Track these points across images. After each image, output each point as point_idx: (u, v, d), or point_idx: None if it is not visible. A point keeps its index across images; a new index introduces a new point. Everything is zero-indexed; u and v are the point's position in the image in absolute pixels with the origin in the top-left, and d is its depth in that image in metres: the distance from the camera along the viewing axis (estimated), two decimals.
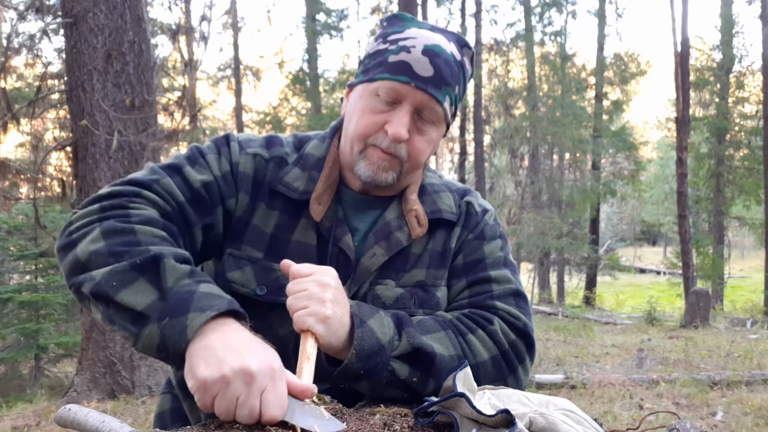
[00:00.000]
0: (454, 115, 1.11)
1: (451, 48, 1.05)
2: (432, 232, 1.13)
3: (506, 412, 0.76)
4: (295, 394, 0.80)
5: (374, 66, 1.04)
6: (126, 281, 0.83)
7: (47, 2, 6.30)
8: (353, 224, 1.11)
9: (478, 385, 0.94)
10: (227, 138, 1.12)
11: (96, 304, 0.86)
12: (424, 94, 1.01)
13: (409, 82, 1.00)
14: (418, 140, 1.04)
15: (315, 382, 0.87)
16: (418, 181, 1.15)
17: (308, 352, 0.87)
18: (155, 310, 0.81)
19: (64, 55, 6.05)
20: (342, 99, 1.15)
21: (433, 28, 1.09)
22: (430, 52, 1.01)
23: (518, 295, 1.10)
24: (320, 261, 1.05)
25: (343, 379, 0.94)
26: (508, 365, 1.03)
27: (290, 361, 1.00)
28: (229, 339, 0.79)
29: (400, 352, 0.95)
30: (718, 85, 18.00)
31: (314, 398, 0.87)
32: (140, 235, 0.90)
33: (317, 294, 0.89)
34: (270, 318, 1.02)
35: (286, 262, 0.94)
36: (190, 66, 6.71)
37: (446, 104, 1.04)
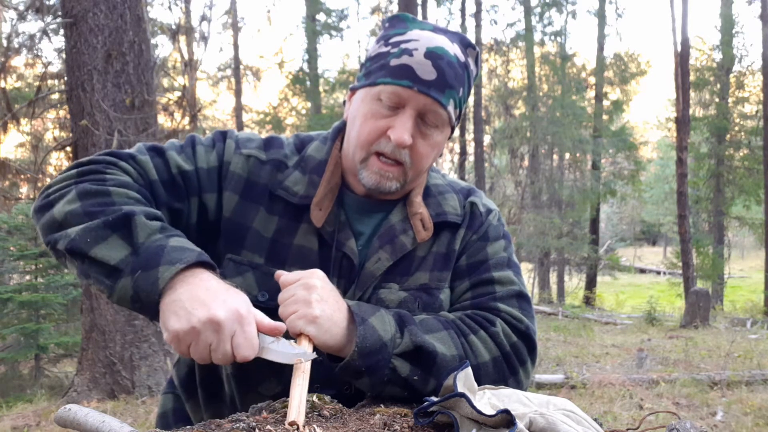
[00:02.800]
0: (458, 118, 1.08)
1: (454, 49, 1.03)
2: (437, 234, 1.12)
3: (506, 412, 0.76)
4: (266, 332, 0.86)
5: (376, 69, 1.02)
6: (99, 237, 0.87)
7: (47, 2, 6.30)
8: (356, 228, 1.09)
9: (479, 385, 0.94)
10: (225, 134, 1.12)
11: (72, 260, 0.90)
12: (427, 98, 0.99)
13: (412, 87, 0.98)
14: (421, 145, 1.03)
15: (321, 388, 0.88)
16: (422, 183, 1.14)
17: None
18: (128, 264, 0.86)
19: (64, 55, 6.05)
20: (344, 102, 1.14)
21: (436, 29, 1.06)
22: (433, 54, 0.99)
23: (521, 297, 1.09)
24: (323, 266, 1.04)
25: (344, 376, 0.94)
26: (509, 367, 1.03)
27: None
28: (197, 290, 0.83)
29: (402, 350, 0.95)
30: (718, 85, 17.99)
31: (314, 398, 0.87)
32: (114, 196, 0.93)
33: (303, 296, 0.91)
34: None
35: (279, 273, 0.97)
36: (190, 66, 6.72)
37: (450, 108, 1.02)
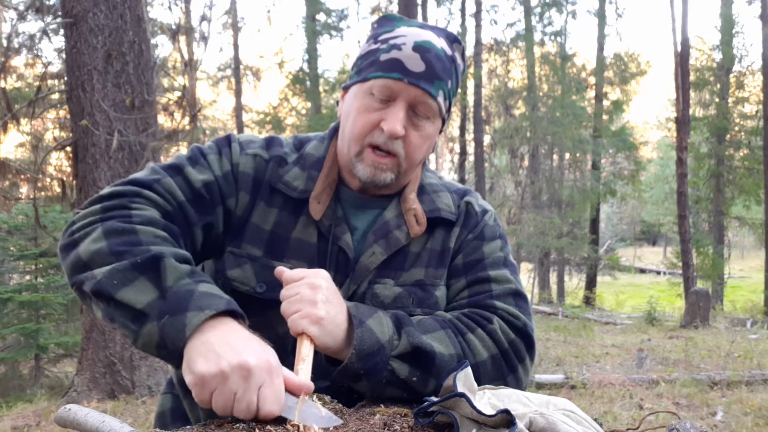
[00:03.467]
0: (449, 110, 1.11)
1: (441, 43, 1.06)
2: (431, 231, 1.13)
3: (506, 412, 0.76)
4: (292, 391, 0.81)
5: (367, 66, 1.05)
6: (127, 280, 0.84)
7: (47, 2, 6.30)
8: (352, 223, 1.11)
9: (479, 384, 0.94)
10: (228, 139, 1.14)
11: (97, 303, 0.87)
12: (417, 89, 1.01)
13: (402, 79, 1.01)
14: (414, 136, 1.05)
15: (313, 379, 0.87)
16: (416, 180, 1.16)
17: (303, 354, 0.88)
18: (155, 308, 0.82)
19: (64, 55, 6.05)
20: (338, 102, 1.16)
21: (422, 26, 1.09)
22: (421, 48, 1.02)
23: (518, 295, 1.10)
24: (320, 259, 1.06)
25: (342, 379, 0.94)
26: (507, 364, 1.03)
27: (289, 358, 1.01)
28: (227, 336, 0.80)
29: (400, 352, 0.95)
30: (718, 85, 17.99)
31: (315, 398, 0.87)
32: (141, 235, 0.91)
33: (309, 296, 0.90)
34: (269, 315, 1.02)
35: (280, 269, 0.96)
36: (190, 66, 6.72)
37: (440, 98, 1.05)
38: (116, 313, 0.85)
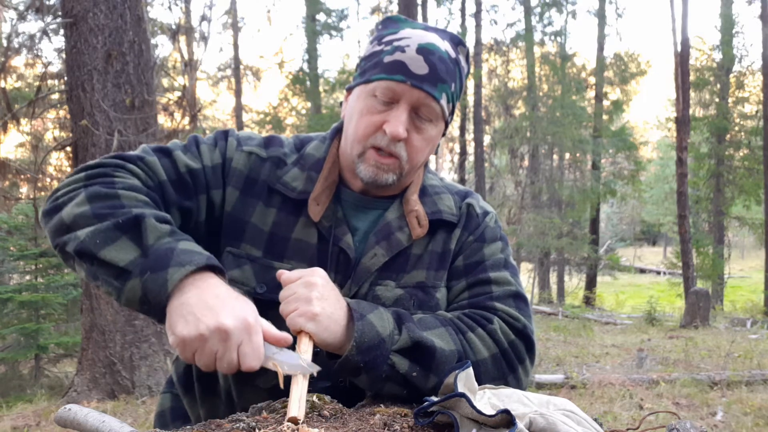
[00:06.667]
0: (452, 113, 1.12)
1: (445, 46, 1.06)
2: (432, 233, 1.13)
3: (506, 412, 0.76)
4: (271, 342, 0.85)
5: (370, 67, 1.05)
6: (109, 239, 0.88)
7: (47, 2, 6.30)
8: (353, 224, 1.11)
9: (479, 383, 0.94)
10: (227, 132, 1.15)
11: (80, 262, 0.90)
12: (421, 91, 1.02)
13: (405, 81, 1.01)
14: (416, 139, 1.05)
15: (316, 380, 0.88)
16: (418, 181, 1.16)
17: (302, 351, 0.88)
18: (137, 265, 0.86)
19: (64, 55, 6.05)
20: (341, 102, 1.17)
21: (427, 28, 1.09)
22: (425, 50, 1.02)
23: (518, 297, 1.10)
24: (320, 260, 1.07)
25: (343, 373, 0.95)
26: (508, 364, 1.03)
27: None
28: (206, 295, 0.83)
29: (400, 346, 0.95)
30: (718, 85, 17.99)
31: (315, 398, 0.87)
32: (124, 199, 0.94)
33: (304, 294, 0.92)
34: (270, 316, 1.03)
35: (280, 272, 0.97)
36: (190, 66, 6.72)
37: (443, 101, 1.05)
38: (99, 271, 0.88)
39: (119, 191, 0.95)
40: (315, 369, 0.85)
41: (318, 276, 0.94)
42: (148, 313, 0.88)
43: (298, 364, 0.84)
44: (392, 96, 1.02)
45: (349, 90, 1.12)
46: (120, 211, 0.91)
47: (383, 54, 1.04)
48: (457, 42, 1.10)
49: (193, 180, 1.06)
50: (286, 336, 0.86)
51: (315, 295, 0.91)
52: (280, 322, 1.01)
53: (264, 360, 0.83)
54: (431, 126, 1.07)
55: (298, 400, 0.80)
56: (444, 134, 1.14)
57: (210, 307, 0.81)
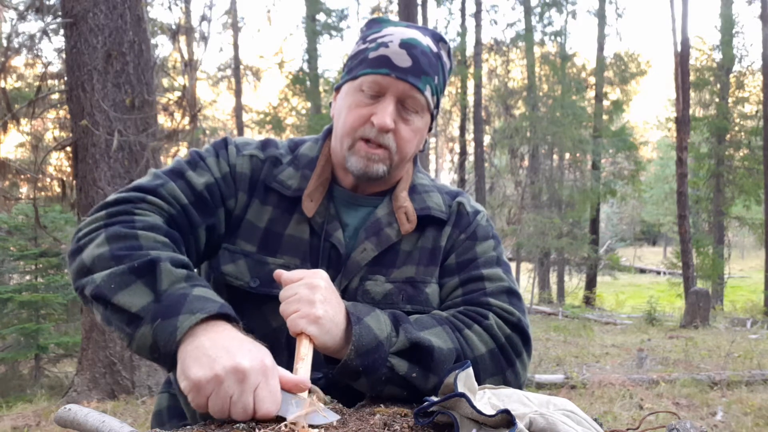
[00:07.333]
0: (437, 106, 1.15)
1: (427, 41, 1.10)
2: (422, 229, 1.16)
3: (506, 412, 0.76)
4: (288, 389, 0.81)
5: (356, 65, 1.09)
6: (123, 284, 0.86)
7: (47, 2, 6.30)
8: (344, 220, 1.14)
9: (478, 379, 0.95)
10: (225, 141, 1.18)
11: (97, 306, 0.89)
12: (405, 83, 1.05)
13: (390, 74, 1.05)
14: (404, 130, 1.09)
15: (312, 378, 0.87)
16: (408, 179, 1.19)
17: (302, 354, 0.88)
18: (149, 311, 0.84)
19: (64, 55, 6.05)
20: (330, 103, 1.20)
21: (409, 25, 1.14)
22: (407, 44, 1.07)
23: (511, 293, 1.11)
24: (312, 255, 1.10)
25: (342, 377, 0.95)
26: (505, 359, 1.04)
27: (283, 352, 1.03)
28: (219, 339, 0.80)
29: (398, 348, 0.95)
30: (718, 85, 17.99)
31: (314, 397, 0.87)
32: (142, 240, 0.93)
33: (307, 296, 0.91)
34: (263, 310, 1.06)
35: (279, 272, 0.97)
36: (190, 66, 6.72)
37: (427, 93, 1.08)
38: (113, 316, 0.86)
39: (138, 232, 0.94)
40: (335, 418, 0.81)
41: (321, 278, 0.94)
42: (159, 361, 0.85)
43: (317, 416, 0.79)
44: (378, 89, 1.06)
45: (338, 89, 1.16)
46: (137, 253, 0.90)
47: (368, 51, 1.08)
48: (438, 39, 1.14)
49: (210, 195, 1.08)
50: (304, 381, 0.83)
51: (318, 298, 0.91)
52: (273, 316, 1.02)
53: (281, 408, 0.78)
54: (417, 117, 1.10)
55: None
56: (431, 128, 1.18)
57: (226, 349, 0.78)
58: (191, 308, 0.83)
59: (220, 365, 0.76)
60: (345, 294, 1.08)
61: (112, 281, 0.86)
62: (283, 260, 1.08)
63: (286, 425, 0.76)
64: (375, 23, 1.16)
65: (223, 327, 0.83)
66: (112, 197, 1.02)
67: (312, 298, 0.91)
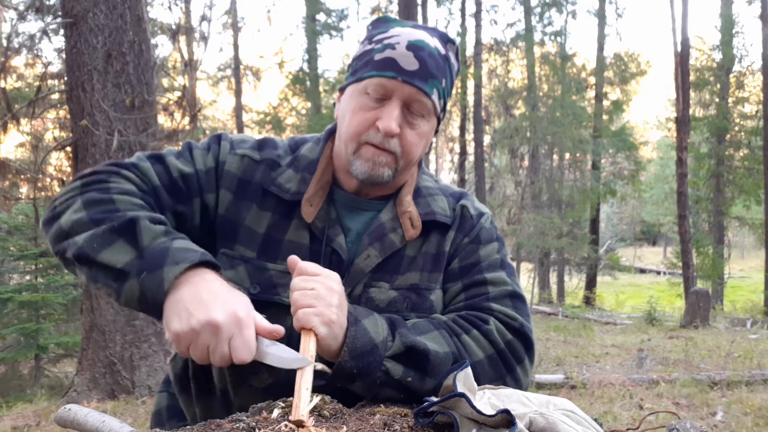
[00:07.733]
0: (444, 109, 1.12)
1: (434, 43, 1.07)
2: (426, 234, 1.13)
3: (506, 412, 0.76)
4: (264, 336, 0.87)
5: (362, 66, 1.06)
6: (106, 243, 0.90)
7: (47, 2, 6.30)
8: (346, 225, 1.12)
9: (477, 384, 0.94)
10: (220, 137, 1.17)
11: (80, 267, 0.93)
12: (412, 87, 1.02)
13: (396, 77, 1.02)
14: (409, 134, 1.06)
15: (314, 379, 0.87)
16: (412, 182, 1.16)
17: (311, 352, 0.87)
18: (134, 266, 0.88)
19: (64, 55, 6.05)
20: (334, 103, 1.17)
21: (416, 26, 1.10)
22: (414, 47, 1.03)
23: (515, 297, 1.10)
24: (313, 260, 1.06)
25: (337, 380, 0.94)
26: (505, 365, 1.03)
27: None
28: (199, 291, 0.85)
29: (394, 353, 0.95)
30: (718, 85, 17.99)
31: (314, 396, 0.87)
32: (119, 203, 0.97)
33: (326, 296, 0.90)
34: (264, 316, 1.04)
35: (293, 258, 0.95)
36: (190, 66, 6.72)
37: (434, 97, 1.05)
38: (98, 274, 0.91)
39: (114, 196, 0.97)
40: (307, 363, 0.84)
41: (336, 282, 0.94)
42: (147, 311, 0.90)
43: (291, 358, 0.85)
44: (384, 92, 1.03)
45: (342, 90, 1.13)
46: (115, 215, 0.93)
47: (374, 52, 1.05)
48: (446, 39, 1.11)
49: (186, 184, 1.08)
50: (279, 328, 0.87)
51: (335, 302, 0.91)
52: (273, 322, 1.01)
53: (256, 353, 0.85)
54: (423, 121, 1.07)
55: (300, 402, 0.79)
56: (437, 131, 1.15)
57: (202, 302, 0.83)
58: (174, 259, 0.87)
59: (195, 319, 0.82)
60: (348, 301, 1.06)
61: (94, 241, 0.90)
62: (284, 266, 1.05)
63: (286, 425, 0.76)
64: (382, 23, 1.12)
65: (204, 275, 0.88)
66: (87, 170, 1.06)
67: (330, 301, 0.91)
